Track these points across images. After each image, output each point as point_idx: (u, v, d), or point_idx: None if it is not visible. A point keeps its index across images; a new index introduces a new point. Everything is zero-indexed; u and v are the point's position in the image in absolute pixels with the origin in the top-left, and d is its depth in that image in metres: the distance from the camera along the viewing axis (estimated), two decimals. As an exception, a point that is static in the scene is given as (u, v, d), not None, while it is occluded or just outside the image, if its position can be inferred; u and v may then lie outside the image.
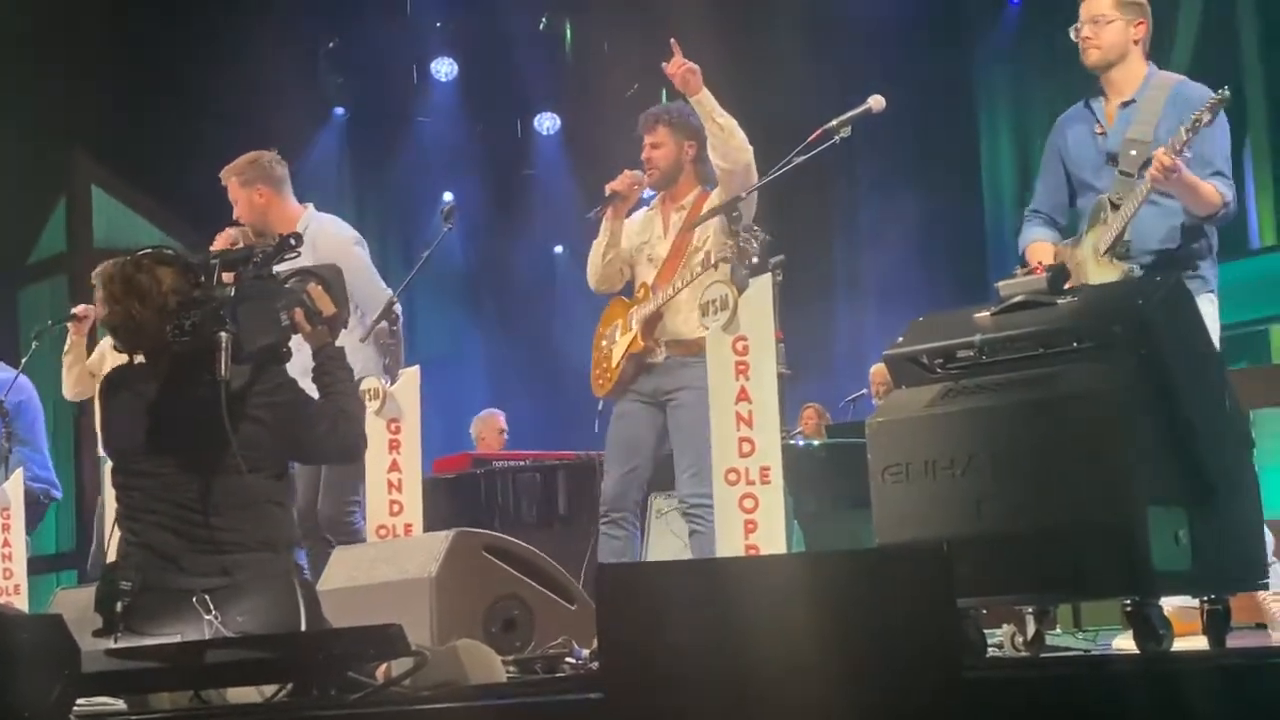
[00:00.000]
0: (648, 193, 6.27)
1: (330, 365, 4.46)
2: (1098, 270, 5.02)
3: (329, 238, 6.55)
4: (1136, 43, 5.19)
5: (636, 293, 6.14)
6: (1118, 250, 4.99)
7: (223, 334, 4.12)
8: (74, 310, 8.06)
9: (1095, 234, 5.08)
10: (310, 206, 6.74)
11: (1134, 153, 5.05)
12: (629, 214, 6.19)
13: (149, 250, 4.32)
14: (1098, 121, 5.22)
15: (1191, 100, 5.03)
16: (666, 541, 7.76)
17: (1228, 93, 4.91)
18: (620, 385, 6.06)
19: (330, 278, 4.48)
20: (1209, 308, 5.02)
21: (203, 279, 4.25)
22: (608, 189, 6.07)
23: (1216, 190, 4.94)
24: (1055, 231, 5.28)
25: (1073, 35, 5.19)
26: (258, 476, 4.16)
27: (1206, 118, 4.84)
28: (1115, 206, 5.04)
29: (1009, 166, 12.99)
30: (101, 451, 7.89)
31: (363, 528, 6.41)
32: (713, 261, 5.70)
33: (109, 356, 7.95)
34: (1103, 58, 5.18)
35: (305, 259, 6.27)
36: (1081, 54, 5.20)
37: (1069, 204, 5.30)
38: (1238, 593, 4.11)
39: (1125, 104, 5.17)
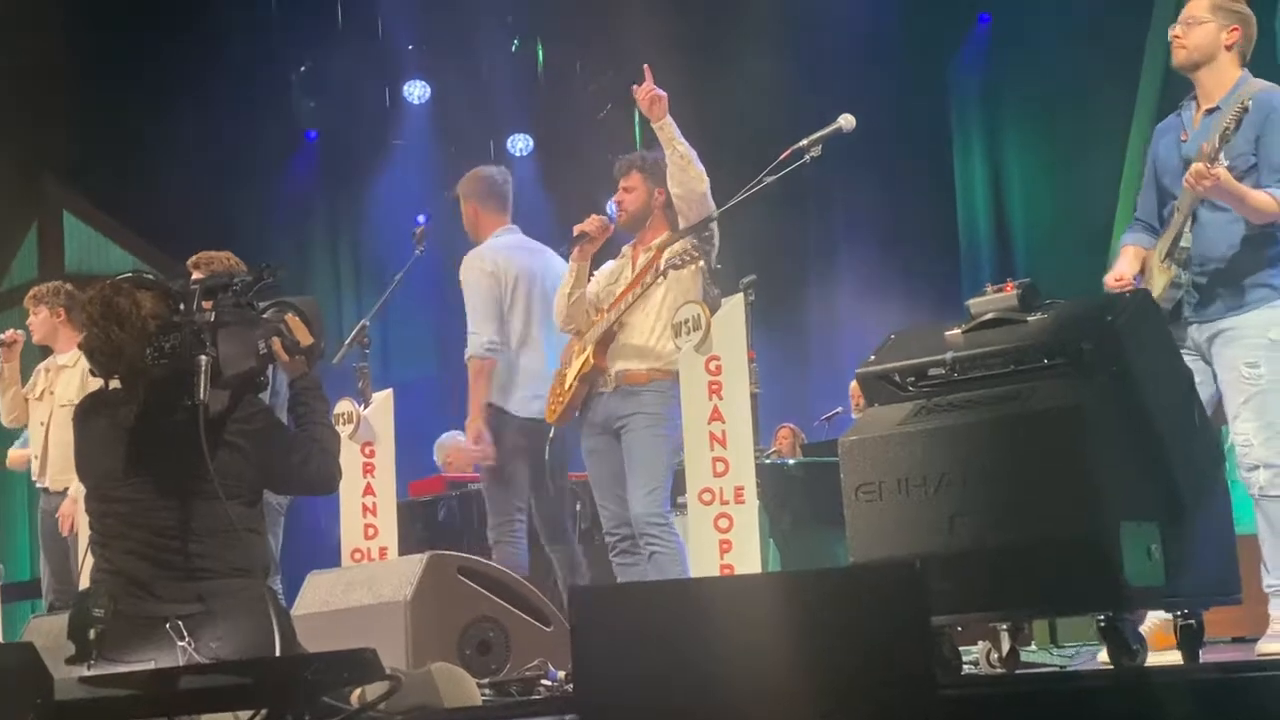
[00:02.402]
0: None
1: (306, 396, 4.44)
2: (1158, 274, 4.98)
3: (470, 257, 6.68)
4: (1229, 48, 5.04)
5: (593, 319, 6.18)
6: (1176, 256, 4.92)
7: (202, 357, 4.12)
8: (1, 336, 8.03)
9: (1164, 239, 5.02)
10: (505, 225, 6.88)
11: None
12: (602, 263, 6.29)
13: (129, 274, 4.31)
14: (1184, 129, 5.11)
15: (1276, 108, 4.89)
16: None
17: (1249, 102, 4.81)
18: (570, 409, 6.12)
19: (306, 309, 4.47)
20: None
21: (182, 304, 4.24)
22: (576, 230, 6.14)
23: (1272, 197, 4.81)
24: (1152, 237, 5.14)
25: (1169, 34, 5.09)
26: (233, 503, 4.14)
27: (1231, 125, 4.77)
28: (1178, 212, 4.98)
29: (982, 183, 12.99)
30: (35, 477, 7.94)
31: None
32: (661, 270, 5.81)
33: (40, 379, 7.96)
34: (1188, 58, 5.06)
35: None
36: (1171, 54, 5.09)
37: (1159, 211, 5.18)
38: (1211, 607, 4.12)
39: (1210, 111, 5.03)
